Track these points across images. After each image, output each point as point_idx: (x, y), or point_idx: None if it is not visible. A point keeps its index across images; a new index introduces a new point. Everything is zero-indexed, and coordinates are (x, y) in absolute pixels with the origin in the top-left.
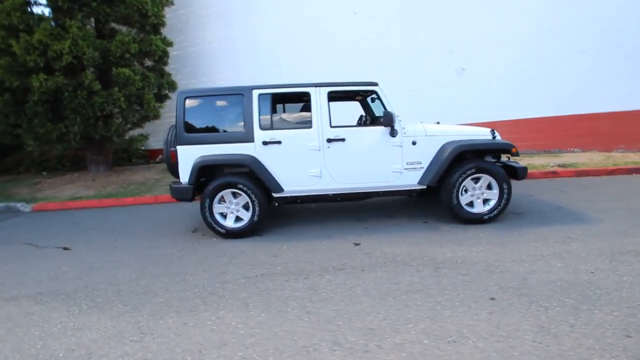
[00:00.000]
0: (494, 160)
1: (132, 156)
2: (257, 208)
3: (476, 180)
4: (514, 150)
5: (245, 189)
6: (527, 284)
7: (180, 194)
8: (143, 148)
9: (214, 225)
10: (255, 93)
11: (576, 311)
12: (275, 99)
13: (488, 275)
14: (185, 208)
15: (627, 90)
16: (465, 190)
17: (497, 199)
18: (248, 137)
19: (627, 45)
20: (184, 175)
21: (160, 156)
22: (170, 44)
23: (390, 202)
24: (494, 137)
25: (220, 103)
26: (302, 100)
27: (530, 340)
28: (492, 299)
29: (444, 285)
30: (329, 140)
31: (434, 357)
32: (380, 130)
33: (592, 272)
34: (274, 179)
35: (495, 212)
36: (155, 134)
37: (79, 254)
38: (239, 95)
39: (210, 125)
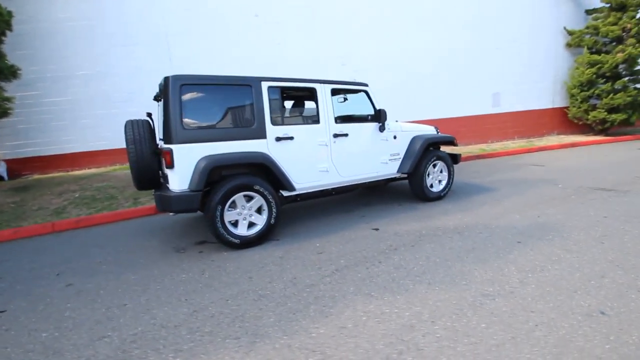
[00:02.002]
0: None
1: None
2: (274, 210)
3: (434, 166)
4: (456, 142)
5: (261, 190)
6: (519, 229)
7: (184, 204)
8: None
9: (226, 236)
10: (265, 85)
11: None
12: (283, 93)
13: (492, 230)
14: (80, 235)
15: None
16: (428, 175)
17: (447, 180)
18: (260, 133)
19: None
20: (183, 180)
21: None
22: (9, 15)
23: (359, 193)
24: (437, 132)
25: (223, 94)
26: (308, 95)
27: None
28: (519, 242)
29: (479, 242)
30: (335, 136)
31: (539, 268)
32: (373, 126)
33: (538, 216)
34: (287, 177)
35: (447, 190)
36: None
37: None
38: (246, 86)
39: (213, 120)
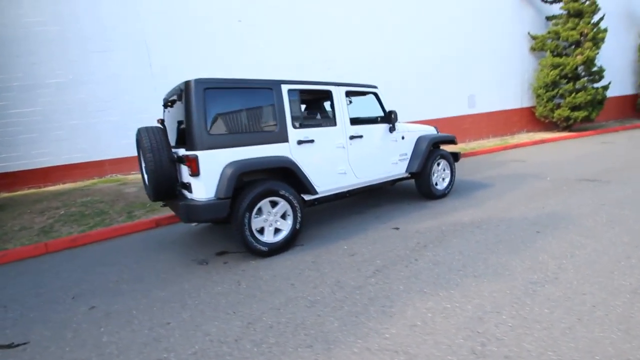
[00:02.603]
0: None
1: None
2: (299, 215)
3: (438, 164)
4: (456, 140)
5: (287, 195)
6: (531, 220)
7: (213, 212)
8: None
9: (254, 244)
10: (285, 88)
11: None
12: (302, 96)
13: (508, 223)
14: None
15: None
16: (433, 174)
17: (449, 178)
18: (282, 137)
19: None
20: (209, 188)
21: None
22: None
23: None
24: (437, 132)
25: (245, 97)
26: (324, 98)
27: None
28: (538, 232)
29: (501, 234)
30: (351, 138)
31: (569, 254)
32: (384, 128)
33: (543, 207)
34: (310, 180)
35: (450, 187)
36: None
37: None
38: (267, 89)
39: (236, 124)
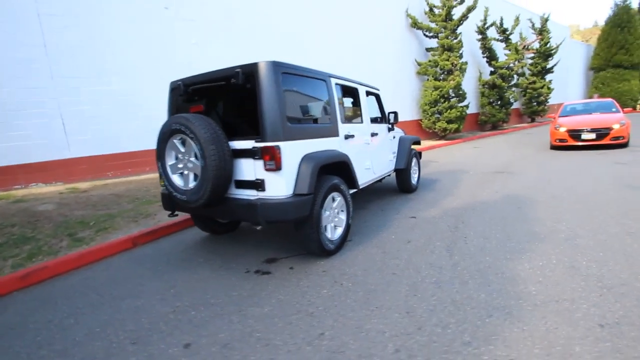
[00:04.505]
0: None
1: None
2: (351, 209)
3: (413, 162)
4: (420, 141)
5: (344, 190)
6: (504, 200)
7: (300, 210)
8: None
9: (326, 243)
10: (333, 81)
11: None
12: (343, 90)
13: (490, 205)
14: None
15: None
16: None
17: (417, 174)
18: (335, 131)
19: None
20: (289, 183)
21: None
22: None
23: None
24: (404, 134)
25: (307, 87)
26: (353, 95)
27: (564, 205)
28: (519, 208)
29: (503, 211)
30: (372, 135)
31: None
32: (385, 127)
33: (496, 191)
34: (356, 175)
35: (418, 182)
36: None
37: None
38: (322, 80)
39: (303, 115)
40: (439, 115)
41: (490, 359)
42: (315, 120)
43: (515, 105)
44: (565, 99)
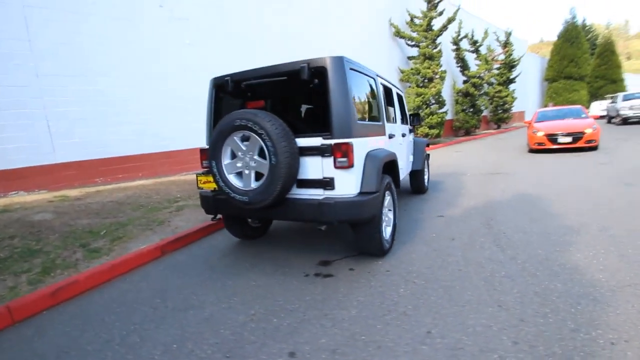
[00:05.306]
0: None
1: None
2: (397, 208)
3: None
4: (429, 144)
5: (393, 188)
6: (511, 196)
7: (373, 209)
8: None
9: (384, 243)
10: (379, 80)
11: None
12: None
13: (506, 203)
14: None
15: None
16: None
17: (427, 175)
18: (382, 130)
19: None
20: (358, 181)
21: None
22: None
23: None
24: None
25: (363, 84)
26: (388, 95)
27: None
28: (534, 204)
29: (531, 203)
30: (402, 135)
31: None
32: (408, 128)
33: (503, 190)
34: (400, 175)
35: (428, 182)
36: None
37: None
38: (372, 78)
39: (362, 112)
40: (422, 121)
41: (606, 342)
42: (372, 118)
43: (484, 113)
44: (524, 107)
